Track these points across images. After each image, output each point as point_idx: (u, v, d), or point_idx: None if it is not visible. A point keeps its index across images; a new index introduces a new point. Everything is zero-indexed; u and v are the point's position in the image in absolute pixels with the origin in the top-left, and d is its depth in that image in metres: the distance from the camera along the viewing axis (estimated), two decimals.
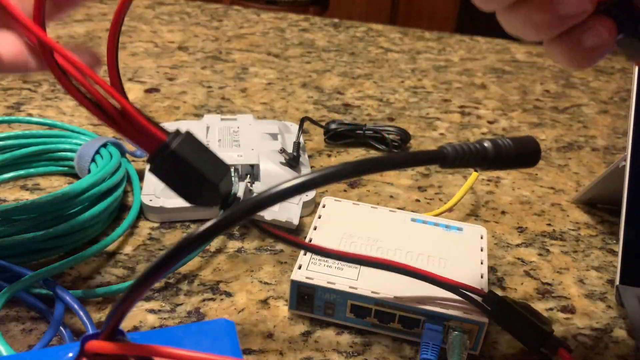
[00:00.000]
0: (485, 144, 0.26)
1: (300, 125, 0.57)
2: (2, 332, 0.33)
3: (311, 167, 0.55)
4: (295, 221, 0.44)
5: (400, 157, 0.24)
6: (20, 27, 0.26)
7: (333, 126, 0.60)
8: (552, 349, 0.33)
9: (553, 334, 0.33)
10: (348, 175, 0.22)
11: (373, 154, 0.60)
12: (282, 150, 0.51)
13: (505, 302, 0.34)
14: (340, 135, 0.60)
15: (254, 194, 0.47)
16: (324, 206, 0.44)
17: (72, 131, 0.52)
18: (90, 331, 0.30)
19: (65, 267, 0.37)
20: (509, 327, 0.34)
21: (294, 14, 1.07)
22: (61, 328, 0.34)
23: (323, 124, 0.61)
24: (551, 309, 0.40)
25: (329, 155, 0.59)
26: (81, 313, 0.35)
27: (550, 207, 0.53)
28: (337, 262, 0.37)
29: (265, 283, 0.41)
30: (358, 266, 0.37)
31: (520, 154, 0.27)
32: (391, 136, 0.59)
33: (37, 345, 0.33)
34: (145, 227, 0.45)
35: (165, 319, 0.37)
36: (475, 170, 0.47)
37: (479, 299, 0.34)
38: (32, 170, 0.50)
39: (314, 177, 0.21)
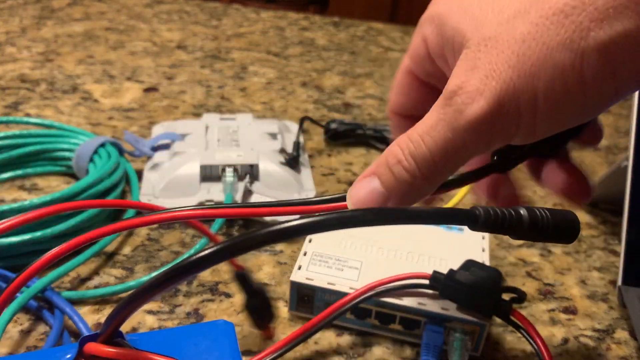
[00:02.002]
0: (522, 212, 0.25)
1: (300, 125, 0.56)
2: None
3: (311, 167, 0.54)
4: None
5: (429, 212, 0.23)
6: None
7: (333, 126, 0.60)
8: (505, 313, 0.33)
9: (498, 303, 0.33)
10: (367, 223, 0.21)
11: (373, 153, 0.59)
12: (282, 150, 0.51)
13: (450, 278, 0.34)
14: (341, 135, 0.60)
15: (254, 194, 0.47)
16: None
17: (70, 131, 0.51)
18: (85, 333, 0.30)
19: (63, 273, 0.37)
20: (460, 301, 0.34)
21: (294, 13, 1.07)
22: (59, 328, 0.34)
23: (323, 123, 0.61)
24: (553, 310, 0.40)
25: (329, 155, 0.58)
26: (76, 318, 0.35)
27: (552, 207, 0.52)
28: (337, 262, 0.37)
29: (265, 284, 0.40)
30: (358, 267, 0.37)
31: (558, 228, 0.26)
32: (392, 136, 0.59)
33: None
34: (143, 228, 0.45)
35: (164, 320, 0.36)
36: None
37: (425, 282, 0.35)
38: (30, 170, 0.50)
39: (328, 219, 0.20)
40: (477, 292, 0.33)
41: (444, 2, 0.25)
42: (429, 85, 0.28)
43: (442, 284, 0.34)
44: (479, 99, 0.21)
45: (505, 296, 0.34)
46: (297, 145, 0.52)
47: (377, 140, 0.60)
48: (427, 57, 0.26)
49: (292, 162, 0.50)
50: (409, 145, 0.23)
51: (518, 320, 0.33)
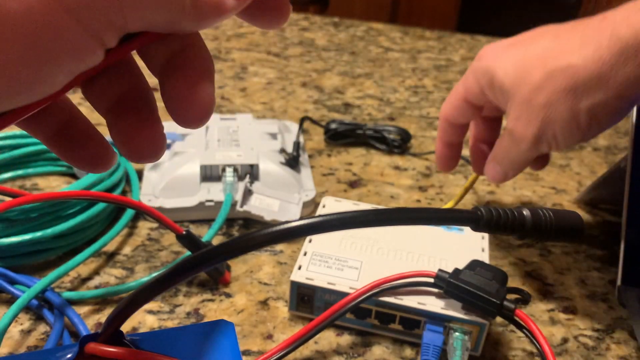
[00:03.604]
0: (524, 212, 0.25)
1: (300, 125, 0.56)
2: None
3: (311, 167, 0.54)
4: None
5: (431, 214, 0.23)
6: None
7: (333, 126, 0.60)
8: (509, 314, 0.33)
9: (503, 303, 0.33)
10: (368, 224, 0.21)
11: (373, 153, 0.59)
12: (282, 150, 0.51)
13: (455, 277, 0.34)
14: (341, 135, 0.60)
15: (254, 194, 0.47)
16: (324, 206, 0.43)
17: None
18: (83, 333, 0.30)
19: (63, 273, 0.37)
20: (465, 300, 0.34)
21: (294, 13, 1.07)
22: (59, 328, 0.34)
23: (323, 123, 0.61)
24: (553, 310, 0.40)
25: (329, 155, 0.58)
26: (75, 318, 0.35)
27: (552, 207, 0.53)
28: (337, 262, 0.37)
29: (265, 284, 0.40)
30: (358, 267, 0.37)
31: (561, 228, 0.26)
32: (392, 136, 0.59)
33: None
34: (144, 228, 0.45)
35: (164, 319, 0.37)
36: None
37: (430, 280, 0.35)
38: (30, 170, 0.50)
39: (330, 220, 0.20)
40: (483, 292, 0.33)
41: (493, 59, 0.38)
42: (473, 106, 0.41)
43: (447, 282, 0.34)
44: (525, 138, 0.36)
45: (510, 297, 0.34)
46: (297, 145, 0.52)
47: (376, 140, 0.60)
48: (478, 92, 0.39)
49: (292, 162, 0.50)
50: (496, 154, 0.40)
51: (521, 320, 0.33)
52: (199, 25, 0.18)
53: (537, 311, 0.40)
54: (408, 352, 0.36)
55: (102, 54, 0.16)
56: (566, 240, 0.27)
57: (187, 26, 0.18)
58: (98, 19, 0.15)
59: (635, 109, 0.44)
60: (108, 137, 0.21)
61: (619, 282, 0.40)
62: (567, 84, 0.33)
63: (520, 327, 0.33)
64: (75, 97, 0.59)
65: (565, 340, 0.38)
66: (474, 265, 0.35)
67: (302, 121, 0.57)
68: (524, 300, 0.34)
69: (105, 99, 0.20)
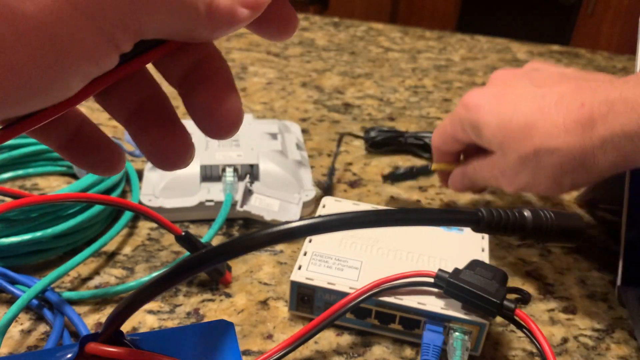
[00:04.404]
0: (525, 213, 0.25)
1: (339, 143, 0.56)
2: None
3: (311, 167, 0.54)
4: None
5: (431, 214, 0.23)
6: None
7: (372, 134, 0.60)
8: (509, 314, 0.33)
9: (503, 303, 0.33)
10: (369, 225, 0.21)
11: (373, 153, 0.59)
12: (319, 182, 0.52)
13: (455, 277, 0.34)
14: (381, 144, 0.60)
15: (254, 194, 0.47)
16: (324, 206, 0.43)
17: None
18: (83, 333, 0.30)
19: (63, 273, 0.37)
20: (465, 300, 0.34)
21: None
22: (59, 328, 0.34)
23: (326, 124, 0.61)
24: (552, 310, 0.40)
25: (329, 155, 0.58)
26: (76, 318, 0.35)
27: (552, 207, 0.53)
28: (337, 262, 0.37)
29: (265, 284, 0.40)
30: (358, 267, 0.37)
31: (562, 230, 0.26)
32: (434, 159, 0.59)
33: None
34: (144, 228, 0.45)
35: (164, 319, 0.37)
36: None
37: (429, 280, 0.35)
38: (30, 170, 0.50)
39: (330, 220, 0.20)
40: (483, 291, 0.33)
41: (478, 112, 0.40)
42: (462, 143, 0.44)
43: (447, 282, 0.34)
44: (510, 187, 0.40)
45: (510, 297, 0.34)
46: (331, 170, 0.53)
47: (418, 147, 0.60)
48: (466, 138, 0.42)
49: (328, 189, 0.51)
50: (475, 178, 0.44)
51: (521, 320, 0.33)
52: (213, 34, 0.18)
53: (537, 311, 0.40)
54: (408, 352, 0.36)
55: (117, 58, 0.16)
56: (567, 242, 0.27)
57: (202, 34, 0.18)
58: (112, 21, 0.15)
59: None
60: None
61: (619, 282, 0.40)
62: (554, 163, 0.36)
63: (520, 326, 0.33)
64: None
65: (565, 340, 0.38)
66: (474, 265, 0.35)
67: (340, 138, 0.57)
68: (524, 300, 0.34)
69: (124, 107, 0.21)
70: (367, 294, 0.34)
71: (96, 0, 0.15)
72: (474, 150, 0.44)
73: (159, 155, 0.20)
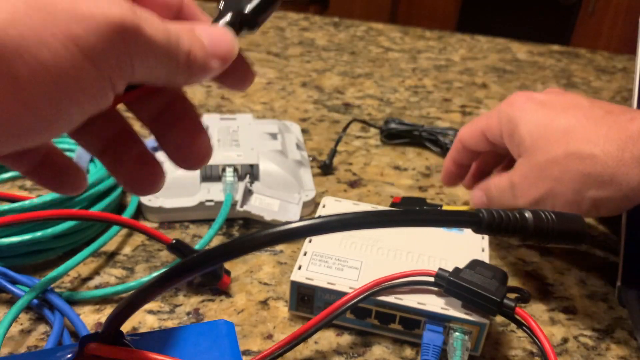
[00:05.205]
0: (526, 214, 0.25)
1: (345, 128, 0.58)
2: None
3: (311, 167, 0.54)
4: None
5: (432, 215, 0.23)
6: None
7: (393, 125, 0.61)
8: (509, 312, 0.33)
9: (503, 301, 0.33)
10: (370, 225, 0.21)
11: (373, 153, 0.59)
12: (313, 158, 0.55)
13: (456, 276, 0.34)
14: (396, 135, 0.61)
15: (254, 194, 0.47)
16: (324, 206, 0.43)
17: None
18: (83, 333, 0.30)
19: (63, 273, 0.37)
20: (465, 299, 0.34)
21: (294, 13, 1.07)
22: (59, 328, 0.34)
23: (326, 124, 0.61)
24: (553, 310, 0.40)
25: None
26: (75, 318, 0.35)
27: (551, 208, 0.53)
28: (337, 262, 0.37)
29: (265, 284, 0.40)
30: (358, 267, 0.37)
31: (564, 231, 0.26)
32: (447, 139, 0.59)
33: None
34: None
35: (164, 319, 0.37)
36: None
37: (430, 279, 0.35)
38: None
39: (331, 221, 0.20)
40: (483, 290, 0.33)
41: (522, 111, 0.39)
42: (489, 142, 0.43)
43: (447, 281, 0.34)
44: (526, 196, 0.38)
45: (510, 296, 0.34)
46: (333, 151, 0.55)
47: (431, 142, 0.60)
48: (498, 134, 0.41)
49: (324, 168, 0.54)
50: (490, 189, 0.43)
51: (521, 318, 0.33)
52: (188, 80, 0.21)
53: (537, 311, 0.40)
54: (408, 352, 0.36)
55: (112, 98, 0.19)
56: (568, 244, 0.27)
57: (179, 80, 0.20)
58: (112, 67, 0.17)
59: (635, 102, 0.44)
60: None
61: (618, 282, 0.40)
62: (583, 170, 0.35)
63: (520, 325, 0.33)
64: None
65: (565, 340, 0.38)
66: (474, 264, 0.35)
67: (348, 124, 0.59)
68: (524, 298, 0.34)
69: (96, 143, 0.23)
70: (367, 293, 0.34)
71: (101, 49, 0.17)
72: (490, 162, 0.45)
73: (132, 184, 0.23)
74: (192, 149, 0.22)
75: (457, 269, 0.34)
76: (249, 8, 0.24)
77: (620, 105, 0.38)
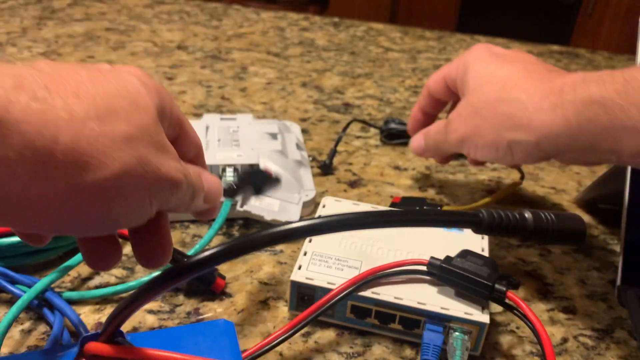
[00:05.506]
0: (526, 215, 0.25)
1: (345, 128, 0.58)
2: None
3: (311, 167, 0.54)
4: None
5: (432, 216, 0.23)
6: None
7: (393, 125, 0.61)
8: (500, 297, 0.33)
9: (494, 286, 0.33)
10: (370, 226, 0.21)
11: (373, 153, 0.59)
12: (313, 158, 0.55)
13: (447, 263, 0.35)
14: (396, 135, 0.61)
15: (254, 194, 0.46)
16: (324, 206, 0.43)
17: None
18: (83, 333, 0.30)
19: (63, 273, 0.37)
20: (457, 285, 0.35)
21: (294, 13, 1.07)
22: (59, 328, 0.34)
23: (326, 124, 0.61)
24: (552, 310, 0.40)
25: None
26: (75, 318, 0.35)
27: (552, 207, 0.53)
28: (337, 262, 0.37)
29: (265, 284, 0.40)
30: (358, 267, 0.37)
31: (563, 231, 0.26)
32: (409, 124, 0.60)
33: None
34: None
35: (164, 319, 0.37)
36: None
37: (423, 268, 0.36)
38: None
39: (331, 221, 0.20)
40: (475, 275, 0.33)
41: (477, 58, 0.43)
42: (449, 88, 0.46)
43: (439, 268, 0.34)
44: (455, 132, 0.42)
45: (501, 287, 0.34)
46: (333, 151, 0.55)
47: None
48: (454, 77, 0.44)
49: (325, 167, 0.54)
50: (428, 132, 0.47)
51: (513, 302, 0.34)
52: (186, 210, 0.26)
53: (537, 311, 0.40)
54: (408, 352, 0.36)
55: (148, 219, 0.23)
56: (568, 244, 0.27)
57: (181, 209, 0.26)
58: (156, 198, 0.22)
59: None
60: None
61: (618, 282, 0.40)
62: (506, 111, 0.37)
63: (511, 309, 0.34)
64: None
65: (565, 340, 0.38)
66: (465, 253, 0.36)
67: (349, 124, 0.58)
68: (514, 285, 0.35)
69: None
70: (362, 281, 0.35)
71: (160, 195, 0.22)
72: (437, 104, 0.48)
73: (91, 259, 0.25)
74: (157, 256, 0.26)
75: (448, 257, 0.35)
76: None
77: (568, 71, 0.39)
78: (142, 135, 0.22)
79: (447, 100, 0.48)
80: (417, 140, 0.47)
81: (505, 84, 0.38)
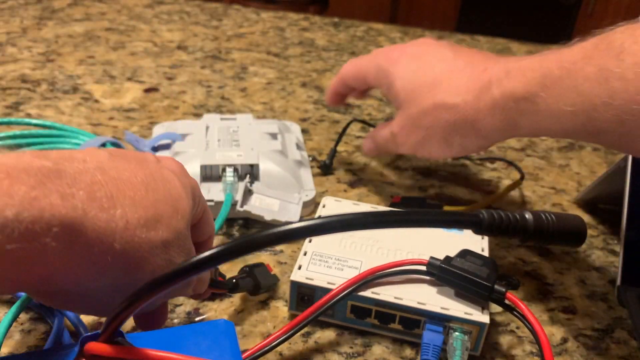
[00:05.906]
0: (526, 215, 0.25)
1: (346, 127, 0.58)
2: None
3: (311, 167, 0.54)
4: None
5: (433, 216, 0.23)
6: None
7: None
8: (500, 297, 0.34)
9: (494, 286, 0.33)
10: (370, 226, 0.21)
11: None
12: (313, 158, 0.55)
13: (447, 263, 0.35)
14: None
15: (254, 194, 0.47)
16: (324, 206, 0.43)
17: (71, 131, 0.51)
18: (83, 333, 0.30)
19: None
20: (457, 285, 0.35)
21: (294, 13, 1.07)
22: (59, 328, 0.34)
23: (326, 124, 0.61)
24: (552, 310, 0.40)
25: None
26: (75, 319, 0.35)
27: (552, 207, 0.53)
28: (337, 262, 0.37)
29: None
30: (358, 267, 0.37)
31: (564, 232, 0.26)
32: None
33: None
34: None
35: None
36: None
37: (423, 268, 0.36)
38: None
39: (331, 222, 0.20)
40: (474, 276, 0.33)
41: (394, 64, 0.44)
42: (368, 84, 0.48)
43: (439, 268, 0.35)
44: (405, 144, 0.44)
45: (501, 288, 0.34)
46: (333, 151, 0.56)
47: None
48: (376, 84, 0.47)
49: (325, 167, 0.55)
50: (376, 138, 0.48)
51: (512, 303, 0.34)
52: (181, 295, 0.33)
53: (537, 311, 0.40)
54: (408, 352, 0.36)
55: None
56: (568, 245, 0.27)
57: (177, 296, 0.33)
58: (172, 293, 0.30)
59: None
60: None
61: (618, 282, 0.40)
62: (449, 119, 0.40)
63: (511, 310, 0.34)
64: None
65: (565, 340, 0.38)
66: (465, 253, 0.36)
67: (348, 124, 0.58)
68: (514, 285, 0.35)
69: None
70: (362, 281, 0.35)
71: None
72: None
73: (141, 325, 0.31)
74: (154, 325, 0.30)
75: (448, 257, 0.35)
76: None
77: (482, 53, 0.41)
78: (176, 240, 0.25)
79: (361, 89, 0.50)
80: (367, 145, 0.50)
81: (435, 89, 0.40)
